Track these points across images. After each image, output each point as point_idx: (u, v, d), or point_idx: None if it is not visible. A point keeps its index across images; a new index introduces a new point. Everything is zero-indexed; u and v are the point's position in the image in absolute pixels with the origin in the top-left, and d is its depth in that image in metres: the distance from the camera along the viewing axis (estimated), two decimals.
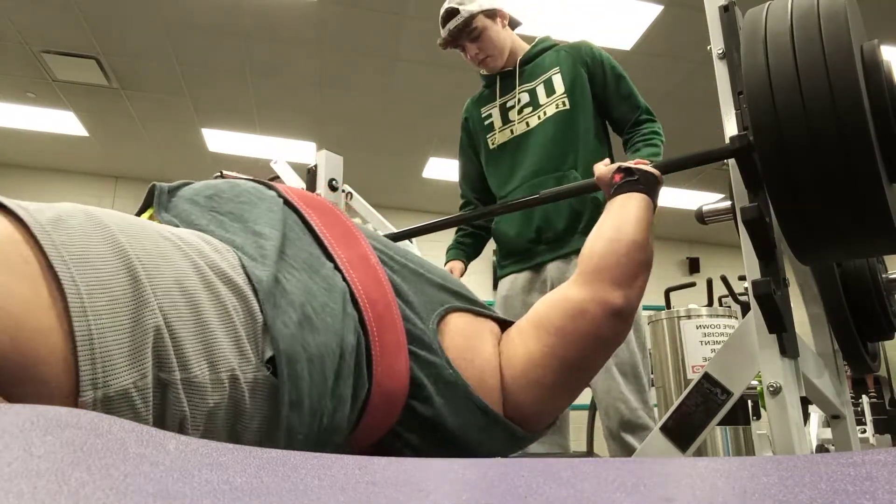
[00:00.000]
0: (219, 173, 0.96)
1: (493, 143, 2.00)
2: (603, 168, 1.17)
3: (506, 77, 1.99)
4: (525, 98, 1.93)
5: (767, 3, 1.05)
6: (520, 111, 1.94)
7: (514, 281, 1.91)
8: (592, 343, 0.78)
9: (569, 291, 0.82)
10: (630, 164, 1.12)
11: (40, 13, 3.95)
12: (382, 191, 6.55)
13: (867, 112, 0.90)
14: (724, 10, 1.23)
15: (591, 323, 0.77)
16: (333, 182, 1.91)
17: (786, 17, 0.97)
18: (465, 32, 1.88)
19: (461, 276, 2.06)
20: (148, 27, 4.11)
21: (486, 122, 2.03)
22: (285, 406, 0.55)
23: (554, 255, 1.83)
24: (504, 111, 1.98)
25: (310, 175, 1.94)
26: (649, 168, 1.06)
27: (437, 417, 0.70)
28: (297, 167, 2.05)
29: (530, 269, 1.89)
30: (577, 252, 1.76)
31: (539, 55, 1.96)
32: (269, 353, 0.55)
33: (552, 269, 1.83)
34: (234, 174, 0.97)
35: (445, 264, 2.09)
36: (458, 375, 0.71)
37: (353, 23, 4.07)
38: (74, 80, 4.70)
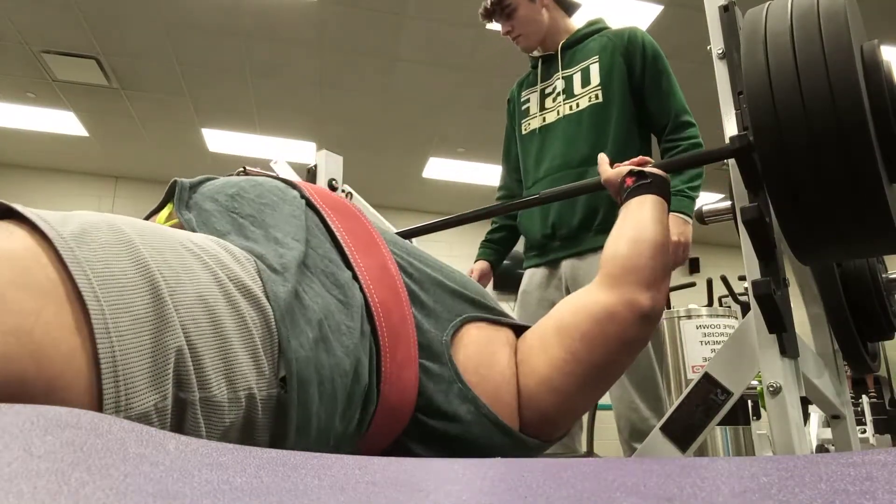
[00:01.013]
0: (242, 169, 0.95)
1: (525, 129, 1.96)
2: (610, 171, 1.15)
3: (547, 61, 1.95)
4: (561, 85, 1.88)
5: (767, 3, 1.04)
6: (555, 98, 1.90)
7: (532, 276, 1.90)
8: (619, 347, 0.77)
9: (595, 295, 0.80)
10: (634, 165, 1.11)
11: (40, 13, 3.95)
12: (382, 191, 6.55)
13: (867, 112, 0.90)
14: (724, 10, 1.23)
15: (619, 326, 0.76)
16: (333, 182, 1.91)
17: (786, 17, 0.97)
18: (500, 8, 1.86)
19: (486, 277, 2.01)
20: (148, 27, 4.11)
21: (524, 107, 1.99)
22: (292, 428, 0.55)
23: (568, 252, 1.80)
24: (542, 97, 1.94)
25: (309, 175, 1.94)
26: (657, 170, 1.05)
27: (444, 430, 0.69)
28: (297, 167, 2.05)
29: (546, 265, 1.87)
30: (591, 250, 1.74)
31: (584, 40, 1.90)
32: (282, 373, 0.55)
33: (566, 266, 1.81)
34: (257, 170, 0.96)
35: (475, 262, 2.05)
36: (468, 389, 0.71)
37: (353, 23, 4.07)
38: (74, 80, 4.70)
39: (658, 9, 3.94)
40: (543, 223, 1.85)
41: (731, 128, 1.16)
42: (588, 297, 0.81)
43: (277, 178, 0.82)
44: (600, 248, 1.73)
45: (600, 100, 1.80)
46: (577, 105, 1.84)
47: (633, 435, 1.65)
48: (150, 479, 0.28)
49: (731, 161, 1.14)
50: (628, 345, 0.78)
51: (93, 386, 0.42)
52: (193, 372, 0.48)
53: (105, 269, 0.46)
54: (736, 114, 1.16)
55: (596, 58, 1.83)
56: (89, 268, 0.45)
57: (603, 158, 1.22)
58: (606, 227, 1.72)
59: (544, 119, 1.91)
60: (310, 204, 0.77)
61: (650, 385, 1.68)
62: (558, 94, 1.88)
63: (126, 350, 0.44)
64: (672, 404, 1.17)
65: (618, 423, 1.71)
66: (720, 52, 1.21)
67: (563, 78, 1.88)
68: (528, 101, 1.98)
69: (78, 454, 0.29)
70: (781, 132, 0.92)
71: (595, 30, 1.91)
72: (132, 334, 0.45)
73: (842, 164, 0.89)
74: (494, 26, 2.00)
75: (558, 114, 1.87)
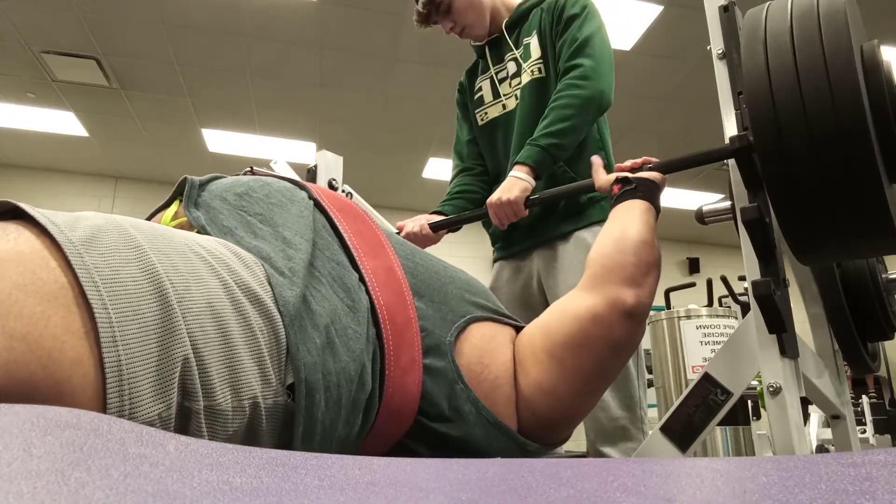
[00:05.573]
0: (249, 169, 0.96)
1: (482, 119, 1.82)
2: (603, 179, 1.17)
3: (494, 45, 1.80)
4: (513, 67, 1.75)
5: (767, 3, 1.05)
6: (511, 83, 1.76)
7: (500, 271, 1.80)
8: (605, 349, 0.76)
9: (578, 298, 0.80)
10: (627, 172, 1.12)
11: (40, 13, 3.95)
12: (382, 191, 6.55)
13: (867, 112, 0.90)
14: (724, 10, 1.23)
15: (603, 328, 0.76)
16: (333, 182, 1.91)
17: (786, 17, 0.97)
18: (434, 7, 1.74)
19: (431, 240, 1.75)
20: (148, 27, 4.11)
21: (476, 97, 1.85)
22: (298, 435, 0.55)
23: (533, 241, 1.70)
24: (494, 84, 1.79)
25: (310, 175, 1.94)
26: (647, 174, 1.08)
27: (446, 432, 0.69)
28: (297, 167, 2.05)
29: (513, 258, 1.77)
30: (560, 237, 1.63)
31: (526, 16, 1.76)
32: (290, 380, 0.55)
33: (537, 257, 1.70)
34: (264, 171, 0.97)
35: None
36: (469, 390, 0.71)
37: (353, 23, 4.07)
38: (74, 80, 4.70)
39: (658, 9, 3.94)
40: None
41: (731, 128, 1.16)
42: (573, 300, 0.81)
43: (286, 178, 0.83)
44: (567, 234, 1.68)
45: (542, 74, 1.68)
46: (521, 83, 1.71)
47: (600, 436, 1.52)
48: (150, 479, 0.28)
49: (731, 161, 1.14)
50: (614, 345, 0.77)
51: (99, 393, 0.42)
52: (199, 381, 0.48)
53: (113, 274, 0.46)
54: (736, 114, 1.16)
55: (535, 31, 1.72)
56: (97, 273, 0.45)
57: (597, 163, 1.22)
58: (569, 212, 1.64)
59: (504, 106, 1.78)
60: (318, 205, 0.77)
61: (622, 381, 1.55)
62: (512, 76, 1.76)
63: (132, 359, 0.44)
64: (672, 404, 1.17)
65: (586, 423, 1.56)
66: (720, 52, 1.21)
67: (513, 59, 1.76)
68: (480, 89, 1.84)
69: (78, 454, 0.29)
70: (781, 132, 0.92)
71: (534, 3, 1.76)
72: (139, 343, 0.45)
73: (842, 165, 0.89)
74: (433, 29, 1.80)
75: (516, 98, 1.73)
